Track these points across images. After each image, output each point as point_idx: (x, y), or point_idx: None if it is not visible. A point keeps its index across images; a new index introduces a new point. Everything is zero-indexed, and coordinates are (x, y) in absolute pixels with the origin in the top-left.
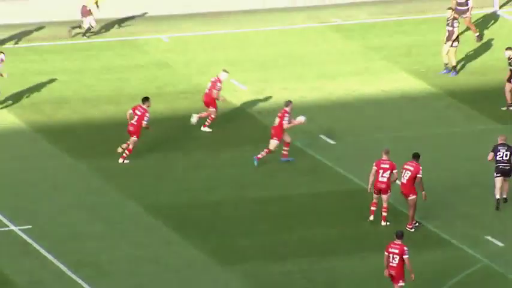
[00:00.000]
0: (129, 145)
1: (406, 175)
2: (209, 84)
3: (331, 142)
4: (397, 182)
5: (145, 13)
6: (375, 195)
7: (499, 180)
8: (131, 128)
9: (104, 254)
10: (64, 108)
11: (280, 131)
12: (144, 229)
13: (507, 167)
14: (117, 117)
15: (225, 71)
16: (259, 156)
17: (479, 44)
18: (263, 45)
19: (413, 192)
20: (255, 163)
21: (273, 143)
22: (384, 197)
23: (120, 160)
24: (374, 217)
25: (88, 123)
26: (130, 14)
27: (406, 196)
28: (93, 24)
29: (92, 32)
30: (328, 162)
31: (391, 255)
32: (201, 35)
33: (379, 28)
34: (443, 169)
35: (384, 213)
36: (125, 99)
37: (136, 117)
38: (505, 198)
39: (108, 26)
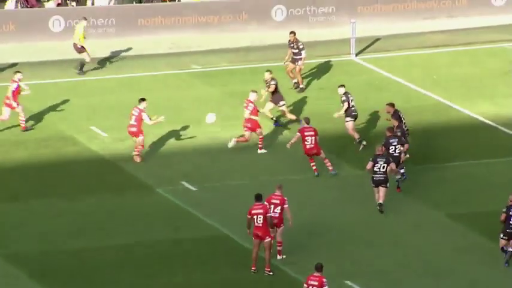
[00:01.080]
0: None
1: (260, 219)
2: (245, 111)
3: (193, 188)
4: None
5: (4, 60)
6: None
7: (376, 190)
8: (133, 129)
9: None
10: None
11: (317, 148)
12: (5, 279)
13: (382, 178)
14: None
15: (253, 91)
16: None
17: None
18: (125, 91)
19: (268, 234)
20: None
21: (322, 155)
22: (278, 230)
23: (138, 159)
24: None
25: None
26: None
27: (262, 239)
28: (88, 59)
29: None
30: (190, 208)
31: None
32: (61, 82)
33: (239, 74)
34: (304, 215)
35: (279, 248)
36: None
37: (134, 117)
38: (380, 204)
39: None
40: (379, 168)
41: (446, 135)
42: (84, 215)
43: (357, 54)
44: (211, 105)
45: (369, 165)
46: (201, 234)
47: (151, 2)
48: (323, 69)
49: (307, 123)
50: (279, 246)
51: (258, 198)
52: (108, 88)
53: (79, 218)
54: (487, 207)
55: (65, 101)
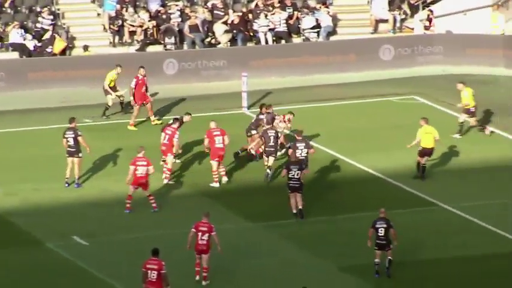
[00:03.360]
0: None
1: (153, 274)
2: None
3: (84, 243)
4: None
5: None
6: (197, 256)
7: (292, 196)
8: (163, 148)
9: None
10: None
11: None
12: None
13: (297, 184)
14: None
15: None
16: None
17: None
18: (18, 145)
19: None
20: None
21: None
22: (205, 256)
23: (165, 181)
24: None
25: None
26: None
27: None
28: (110, 103)
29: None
30: (82, 263)
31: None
32: None
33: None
34: None
35: (205, 273)
36: None
37: (167, 136)
38: (300, 210)
39: None
40: (294, 175)
41: (336, 188)
42: None
43: (249, 108)
44: (105, 158)
45: (283, 172)
46: None
47: (42, 56)
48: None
49: None
50: (205, 272)
51: (154, 253)
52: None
53: None
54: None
55: None
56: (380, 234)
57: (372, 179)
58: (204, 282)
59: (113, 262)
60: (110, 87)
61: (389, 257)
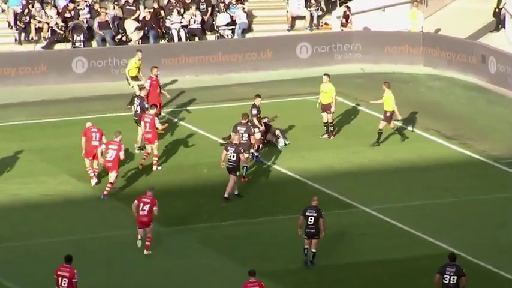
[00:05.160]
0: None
1: (64, 281)
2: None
3: None
4: None
5: None
6: (139, 230)
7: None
8: (149, 136)
9: None
10: None
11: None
12: None
13: (232, 166)
14: None
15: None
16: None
17: None
18: None
19: None
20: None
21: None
22: (148, 229)
23: (154, 167)
24: None
25: None
26: None
27: None
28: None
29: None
30: None
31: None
32: None
33: (38, 129)
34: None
35: (148, 243)
36: None
37: (147, 124)
38: (238, 194)
39: None
40: (230, 157)
41: (253, 190)
42: None
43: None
44: (11, 160)
45: (223, 153)
46: None
47: None
48: (126, 121)
49: None
50: (148, 241)
51: (67, 260)
52: None
53: None
54: (296, 264)
55: None
56: (309, 223)
57: (290, 181)
58: (145, 252)
59: (20, 267)
60: (131, 76)
61: (313, 250)
